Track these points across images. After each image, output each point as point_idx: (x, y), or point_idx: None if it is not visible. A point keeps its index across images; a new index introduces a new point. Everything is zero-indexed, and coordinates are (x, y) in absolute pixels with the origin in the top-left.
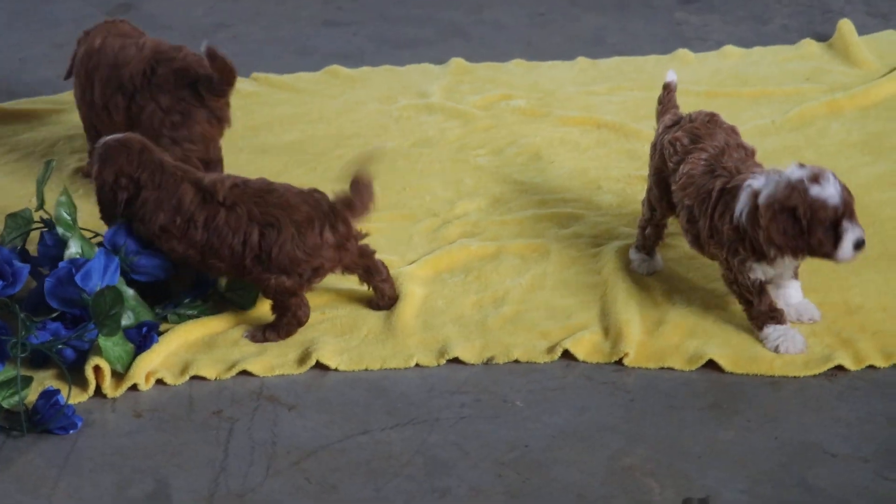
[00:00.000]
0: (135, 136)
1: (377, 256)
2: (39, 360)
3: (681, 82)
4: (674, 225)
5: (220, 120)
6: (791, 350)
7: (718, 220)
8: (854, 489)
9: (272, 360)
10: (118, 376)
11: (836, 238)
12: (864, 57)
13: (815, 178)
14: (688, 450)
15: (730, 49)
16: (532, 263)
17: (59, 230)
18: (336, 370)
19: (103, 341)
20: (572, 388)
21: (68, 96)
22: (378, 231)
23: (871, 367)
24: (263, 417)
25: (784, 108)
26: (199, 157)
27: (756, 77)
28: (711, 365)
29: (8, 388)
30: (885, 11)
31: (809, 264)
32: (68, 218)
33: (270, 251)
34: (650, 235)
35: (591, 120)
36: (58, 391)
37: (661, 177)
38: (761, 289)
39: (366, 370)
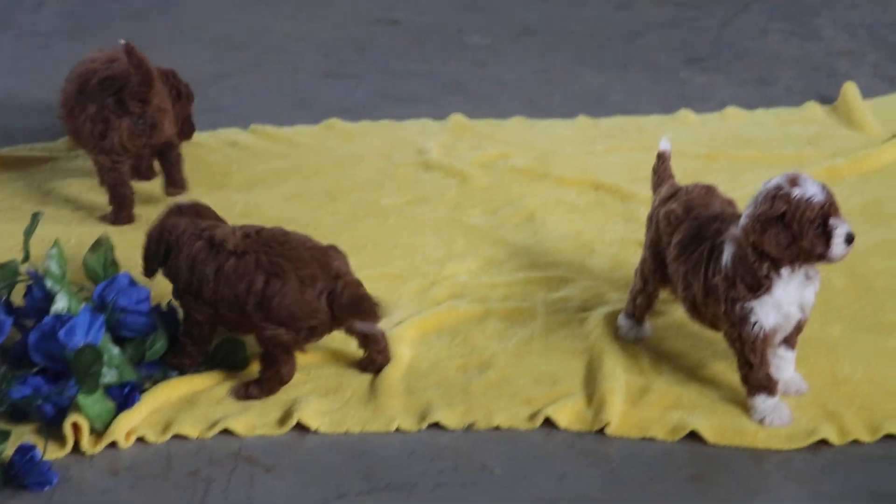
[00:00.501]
0: (199, 203)
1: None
2: (19, 414)
3: (680, 143)
4: (665, 292)
5: (153, 126)
6: (777, 423)
7: (712, 278)
8: None
9: (254, 420)
10: (98, 433)
11: (827, 236)
12: (867, 121)
13: (794, 182)
14: None
15: (732, 110)
16: (519, 327)
17: (48, 283)
18: (316, 432)
19: (83, 399)
20: (552, 456)
21: (64, 143)
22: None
23: (856, 441)
24: (240, 478)
25: (782, 172)
26: (135, 164)
27: (757, 140)
28: (694, 436)
29: None
30: (892, 74)
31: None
32: (58, 272)
33: (272, 300)
34: (641, 304)
35: (589, 181)
36: (34, 446)
37: (656, 249)
38: (763, 351)
39: (346, 433)
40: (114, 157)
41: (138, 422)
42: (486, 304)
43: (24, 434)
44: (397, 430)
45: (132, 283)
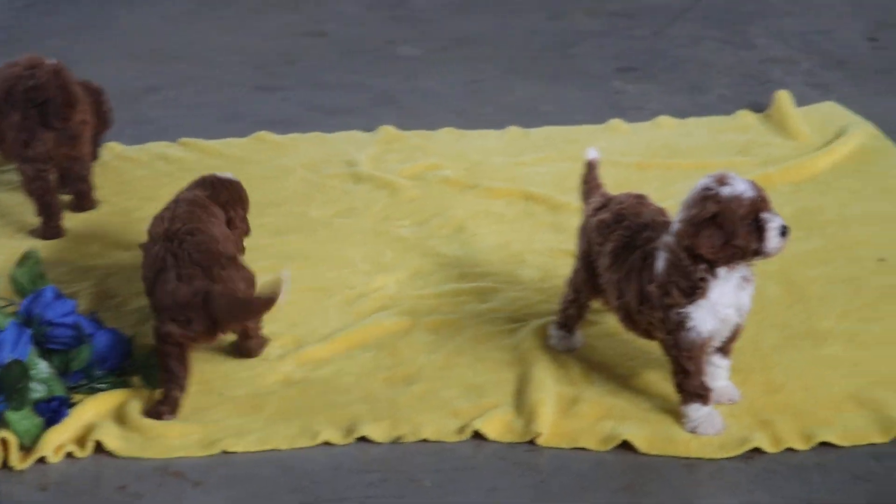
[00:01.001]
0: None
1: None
2: None
3: (612, 153)
4: (597, 302)
5: (74, 138)
6: (709, 432)
7: (646, 286)
8: None
9: (173, 441)
10: (26, 448)
11: (760, 231)
12: (800, 129)
13: (722, 181)
14: None
15: (664, 119)
16: (446, 339)
17: None
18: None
19: (10, 414)
20: (482, 468)
21: None
22: (292, 304)
23: (790, 449)
24: (168, 494)
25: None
26: (59, 173)
27: (689, 148)
28: (626, 445)
29: None
30: (825, 82)
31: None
32: None
33: (156, 290)
34: (572, 315)
35: (518, 192)
36: None
37: (588, 260)
38: (700, 358)
39: (274, 450)
40: (38, 166)
41: (67, 437)
42: (413, 316)
43: None
44: (325, 444)
45: (58, 295)
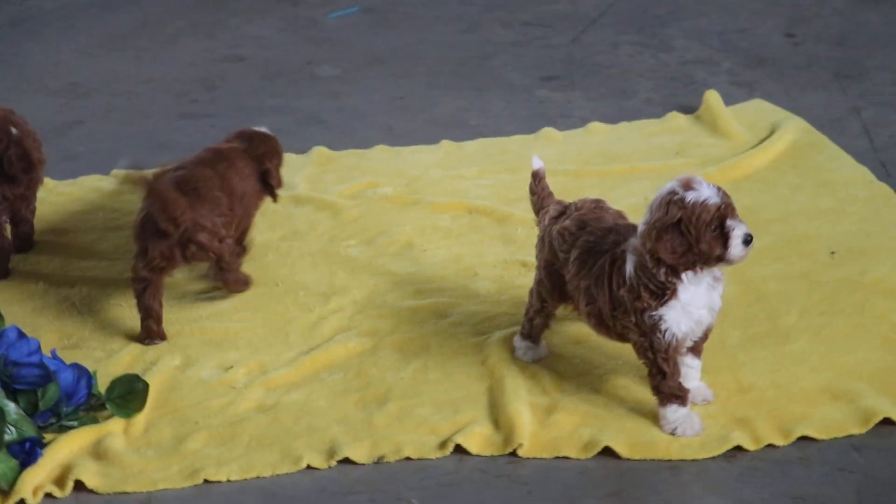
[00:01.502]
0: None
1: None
2: None
3: (548, 161)
4: (560, 311)
5: (30, 184)
6: (688, 433)
7: (617, 290)
8: None
9: (154, 474)
10: (4, 492)
11: (725, 238)
12: (732, 128)
13: (688, 186)
14: None
15: (595, 126)
16: (412, 357)
17: None
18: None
19: None
20: (467, 482)
21: None
22: (252, 329)
23: (771, 445)
24: None
25: (655, 184)
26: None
27: (624, 153)
28: (607, 452)
29: None
30: (749, 80)
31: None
32: None
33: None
34: (538, 324)
35: (462, 205)
36: None
37: (552, 269)
38: (675, 359)
39: (257, 478)
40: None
41: (43, 477)
42: (375, 336)
43: None
44: (308, 468)
45: (21, 335)
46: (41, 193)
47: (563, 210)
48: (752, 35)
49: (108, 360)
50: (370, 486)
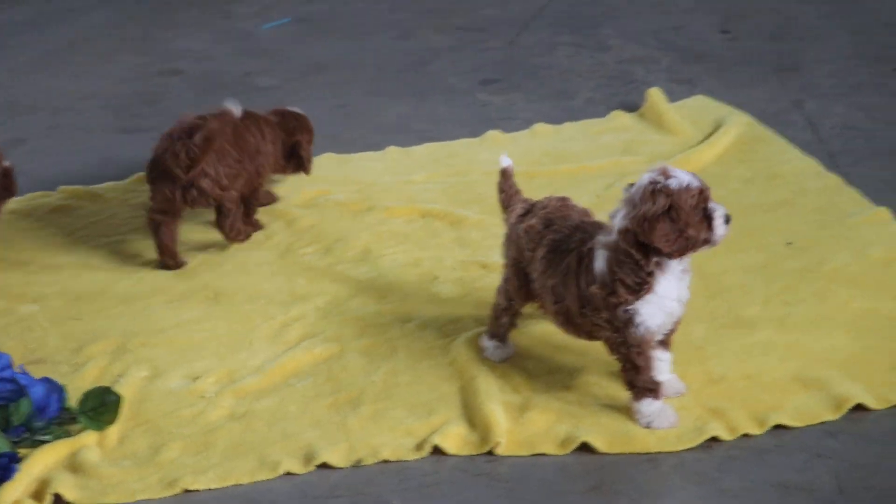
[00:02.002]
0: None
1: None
2: None
3: (496, 164)
4: (525, 310)
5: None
6: (663, 426)
7: (585, 288)
8: None
9: (133, 485)
10: None
11: (709, 220)
12: (677, 124)
13: (666, 174)
14: None
15: (540, 127)
16: (381, 361)
17: None
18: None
19: None
20: (447, 482)
21: None
22: (217, 338)
23: (746, 435)
24: None
25: (605, 182)
26: None
27: (572, 153)
28: (584, 447)
29: None
30: (689, 77)
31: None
32: None
33: None
34: (505, 323)
35: (415, 209)
36: None
37: (518, 267)
38: (648, 353)
39: (236, 485)
40: None
41: (21, 492)
42: (341, 341)
43: None
44: (286, 473)
45: None
46: None
47: (530, 208)
48: (687, 32)
49: (75, 374)
50: (351, 490)
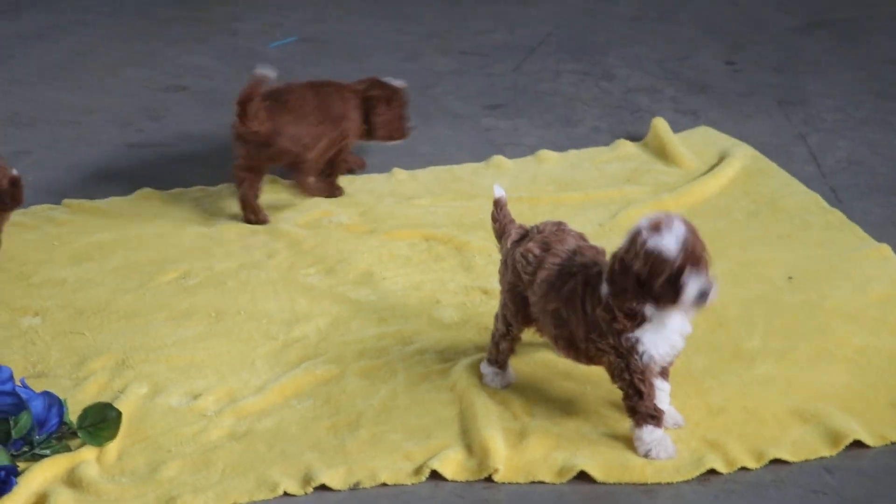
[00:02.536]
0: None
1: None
2: None
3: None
4: (525, 336)
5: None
6: (662, 456)
7: (592, 312)
8: None
9: (131, 502)
10: None
11: (678, 291)
12: (681, 155)
13: (655, 228)
14: None
15: (546, 153)
16: (380, 384)
17: None
18: None
19: None
20: None
21: None
22: (218, 357)
23: (744, 468)
24: None
25: (610, 210)
26: None
27: (577, 181)
28: (582, 476)
29: None
30: (694, 108)
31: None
32: None
33: None
34: (504, 349)
35: (418, 233)
36: None
37: (516, 292)
38: (651, 380)
39: None
40: None
41: None
42: (341, 363)
43: None
44: (284, 495)
45: None
46: None
47: (525, 233)
48: (692, 63)
49: (76, 389)
50: None
